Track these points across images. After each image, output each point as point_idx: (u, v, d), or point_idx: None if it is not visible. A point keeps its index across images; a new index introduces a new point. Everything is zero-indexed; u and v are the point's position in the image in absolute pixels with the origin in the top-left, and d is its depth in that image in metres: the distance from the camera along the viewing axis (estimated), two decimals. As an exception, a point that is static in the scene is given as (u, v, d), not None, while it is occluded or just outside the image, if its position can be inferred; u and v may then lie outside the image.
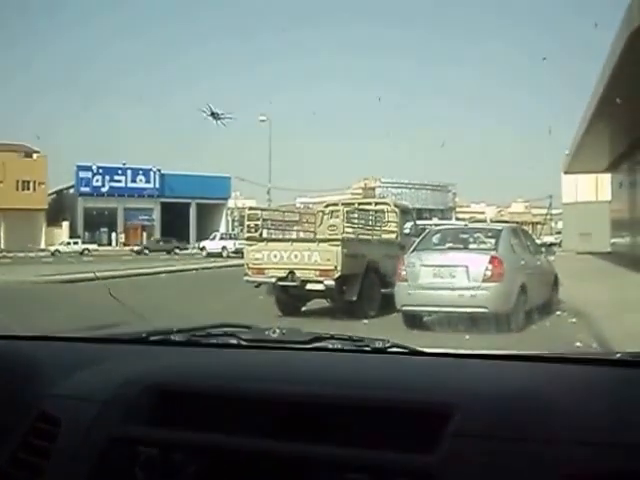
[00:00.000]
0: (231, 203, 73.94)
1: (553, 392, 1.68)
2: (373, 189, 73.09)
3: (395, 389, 1.76)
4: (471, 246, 13.01)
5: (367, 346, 2.10)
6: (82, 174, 67.54)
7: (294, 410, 1.74)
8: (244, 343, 2.22)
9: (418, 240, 13.63)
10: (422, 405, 1.67)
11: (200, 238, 61.94)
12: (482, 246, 12.89)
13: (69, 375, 2.07)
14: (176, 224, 67.62)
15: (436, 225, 20.23)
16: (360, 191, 71.22)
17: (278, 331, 2.22)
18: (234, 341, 2.25)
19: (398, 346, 2.08)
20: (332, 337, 2.16)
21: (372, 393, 1.74)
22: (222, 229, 65.83)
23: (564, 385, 1.75)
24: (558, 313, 13.13)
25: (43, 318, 11.20)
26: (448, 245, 13.29)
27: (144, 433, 1.80)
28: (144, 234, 70.60)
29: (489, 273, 11.72)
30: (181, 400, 1.85)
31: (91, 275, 22.70)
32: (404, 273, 12.42)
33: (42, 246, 60.53)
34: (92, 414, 1.87)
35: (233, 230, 63.13)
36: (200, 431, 1.75)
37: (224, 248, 50.60)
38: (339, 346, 2.14)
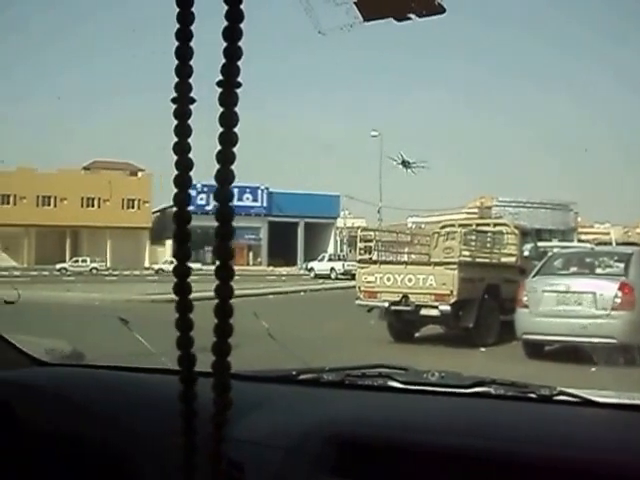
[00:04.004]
0: (340, 222, 74.15)
1: None
2: (489, 208, 72.10)
3: (571, 446, 1.70)
4: (598, 271, 12.67)
5: (532, 393, 2.05)
6: (187, 192, 68.75)
7: (460, 465, 1.71)
8: (401, 386, 2.18)
9: (540, 264, 13.40)
10: (610, 466, 1.58)
11: (307, 258, 62.22)
12: (610, 271, 12.53)
13: (236, 416, 2.01)
14: (283, 244, 68.25)
15: (563, 248, 19.78)
16: (475, 210, 70.36)
17: (437, 374, 2.19)
18: (391, 383, 2.20)
19: (566, 394, 2.00)
20: (494, 382, 2.12)
21: (546, 450, 1.68)
22: (330, 249, 66.03)
23: None
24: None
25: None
26: (573, 270, 13.01)
27: None
28: (250, 254, 71.50)
29: (619, 301, 11.41)
30: (356, 450, 1.82)
31: (197, 295, 23.07)
32: (525, 299, 12.24)
33: (146, 264, 62.10)
34: (275, 461, 1.85)
35: (341, 250, 63.27)
36: None
37: (332, 269, 50.73)
38: (502, 392, 2.09)
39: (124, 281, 39.39)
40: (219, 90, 0.90)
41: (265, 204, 71.43)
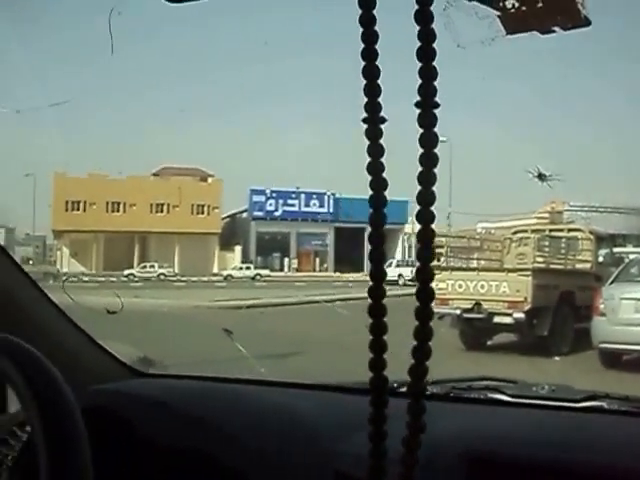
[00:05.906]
0: (408, 228, 73.83)
1: None
2: (560, 213, 71.04)
3: None
4: (679, 278, 12.39)
5: None
6: (255, 198, 68.92)
7: None
8: (509, 399, 2.12)
9: (617, 270, 13.09)
10: None
11: (375, 265, 61.96)
12: (690, 278, 12.26)
13: (349, 431, 1.90)
14: (350, 249, 68.06)
15: (640, 254, 19.42)
16: (546, 215, 69.43)
17: (547, 387, 2.15)
18: (498, 396, 2.14)
19: None
20: (607, 396, 2.03)
21: None
22: (398, 255, 65.80)
23: None
24: None
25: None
26: (652, 276, 12.71)
27: None
28: (317, 260, 71.46)
29: (701, 308, 11.12)
30: (482, 466, 1.75)
31: (267, 301, 23.22)
32: (602, 307, 11.97)
33: (215, 270, 62.43)
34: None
35: (410, 256, 63.01)
36: None
37: (400, 276, 50.55)
38: (615, 407, 2.01)
39: (192, 287, 39.66)
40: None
41: (332, 210, 71.30)
